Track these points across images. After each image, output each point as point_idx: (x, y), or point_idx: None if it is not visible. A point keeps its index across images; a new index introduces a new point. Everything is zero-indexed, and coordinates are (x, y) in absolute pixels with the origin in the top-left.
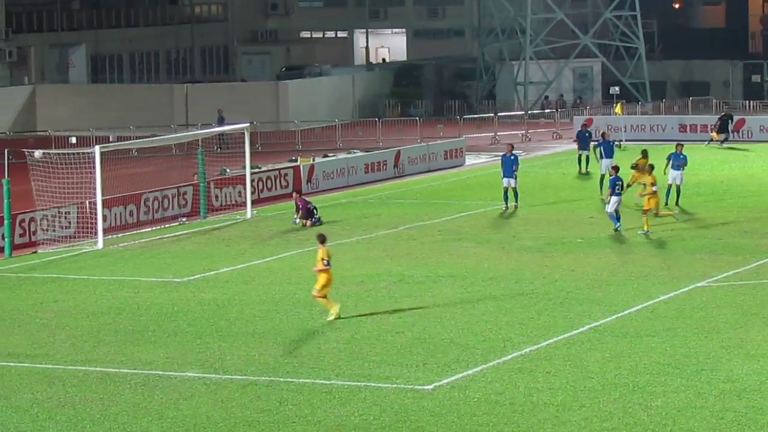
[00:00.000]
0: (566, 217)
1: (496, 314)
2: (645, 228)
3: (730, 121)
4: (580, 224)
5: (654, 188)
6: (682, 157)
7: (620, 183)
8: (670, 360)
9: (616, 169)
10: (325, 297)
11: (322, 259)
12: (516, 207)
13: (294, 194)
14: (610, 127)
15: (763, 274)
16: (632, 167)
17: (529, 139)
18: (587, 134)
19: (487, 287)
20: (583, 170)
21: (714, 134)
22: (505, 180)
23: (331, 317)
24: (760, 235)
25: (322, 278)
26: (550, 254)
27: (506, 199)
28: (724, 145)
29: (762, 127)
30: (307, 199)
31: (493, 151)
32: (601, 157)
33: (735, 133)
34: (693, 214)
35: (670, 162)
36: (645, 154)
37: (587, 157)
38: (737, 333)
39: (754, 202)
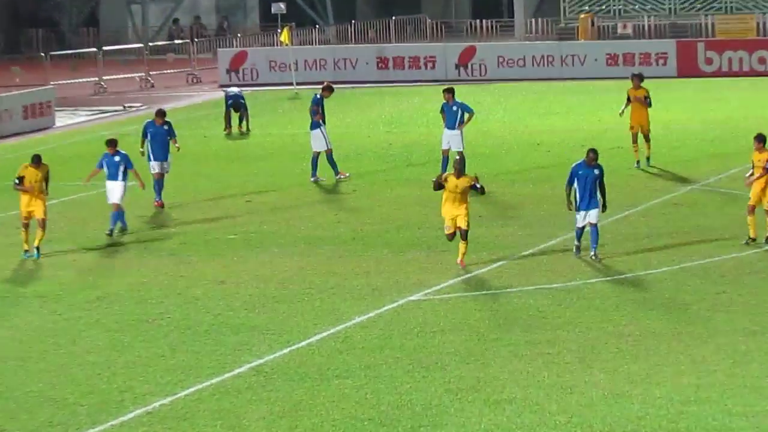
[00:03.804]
0: (212, 203)
1: (109, 351)
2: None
3: None
4: (233, 212)
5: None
6: (455, 109)
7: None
8: (374, 414)
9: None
10: None
11: None
12: None
13: None
14: (272, 63)
15: (506, 278)
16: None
17: (152, 86)
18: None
19: (93, 311)
20: (234, 129)
21: None
22: (156, 164)
23: None
24: (502, 221)
25: None
26: (188, 259)
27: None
28: None
29: (501, 59)
30: None
31: (99, 105)
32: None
33: (461, 69)
34: (387, 196)
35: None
36: None
37: (241, 115)
38: (470, 370)
39: (490, 171)
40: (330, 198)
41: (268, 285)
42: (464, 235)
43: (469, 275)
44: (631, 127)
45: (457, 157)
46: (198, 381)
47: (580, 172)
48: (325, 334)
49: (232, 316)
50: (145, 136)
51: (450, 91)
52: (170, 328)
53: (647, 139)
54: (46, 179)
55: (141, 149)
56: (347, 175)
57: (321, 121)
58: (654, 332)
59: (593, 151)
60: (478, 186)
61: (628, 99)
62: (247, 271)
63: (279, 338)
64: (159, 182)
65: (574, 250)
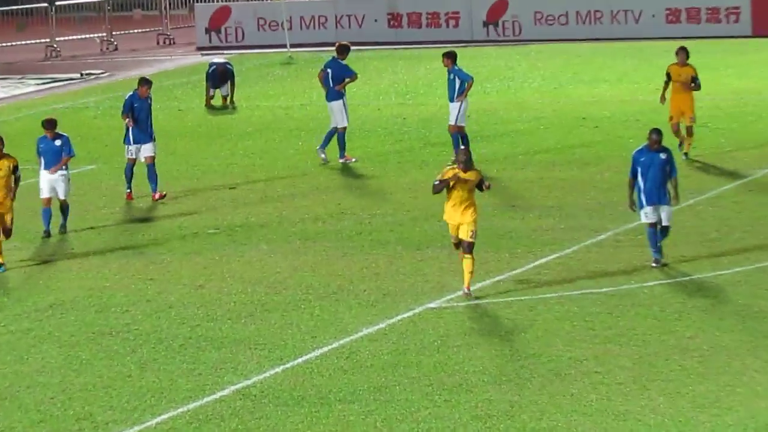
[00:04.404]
0: (189, 190)
1: (65, 371)
2: None
3: None
4: (214, 201)
5: None
6: (452, 77)
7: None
8: None
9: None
10: None
11: None
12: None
13: None
14: (261, 21)
15: (545, 281)
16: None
17: (116, 49)
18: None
19: (45, 321)
20: (217, 101)
21: None
22: (134, 148)
23: None
24: (539, 211)
25: None
26: (159, 259)
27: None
28: None
29: (539, 15)
30: None
31: (51, 72)
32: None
33: (491, 27)
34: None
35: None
36: None
37: (227, 89)
38: (501, 392)
39: (525, 151)
40: (331, 184)
41: (256, 289)
42: (468, 249)
43: (500, 277)
44: (671, 118)
45: (462, 147)
46: (172, 406)
47: (642, 159)
48: (325, 349)
49: (212, 328)
50: (130, 111)
51: (449, 56)
52: (138, 343)
53: (690, 132)
54: (16, 179)
55: (127, 120)
56: (354, 159)
57: (343, 90)
58: (725, 346)
59: (656, 132)
60: (485, 185)
61: (669, 78)
62: (230, 272)
63: (270, 354)
64: (147, 169)
65: (653, 262)
